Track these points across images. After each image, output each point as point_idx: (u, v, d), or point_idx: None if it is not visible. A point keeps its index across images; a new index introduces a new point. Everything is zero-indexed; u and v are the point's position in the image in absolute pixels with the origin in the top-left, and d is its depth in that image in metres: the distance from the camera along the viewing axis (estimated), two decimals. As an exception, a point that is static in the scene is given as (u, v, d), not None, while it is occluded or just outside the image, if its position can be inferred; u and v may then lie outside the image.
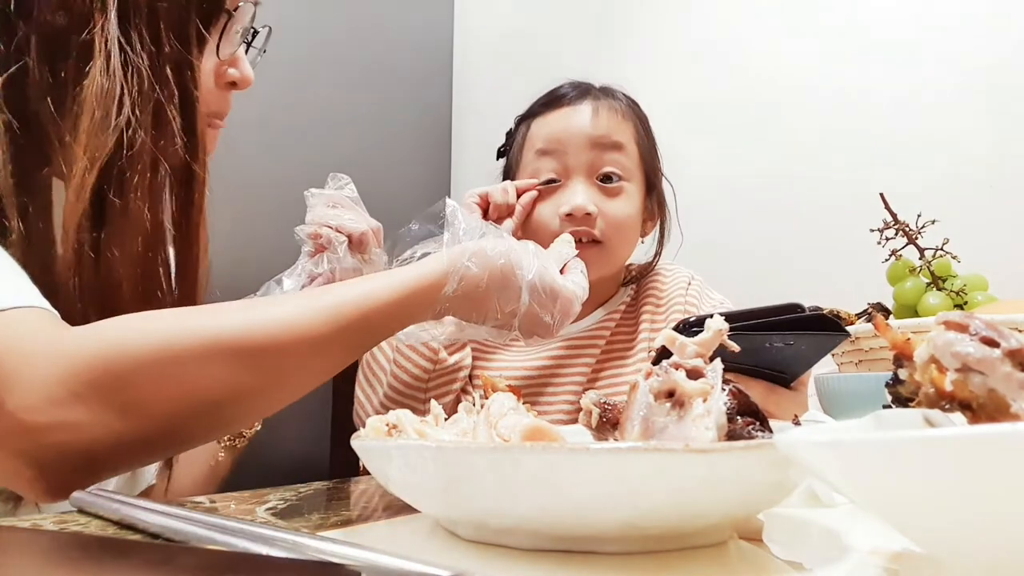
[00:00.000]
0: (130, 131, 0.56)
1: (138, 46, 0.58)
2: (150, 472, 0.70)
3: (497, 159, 1.15)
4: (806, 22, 1.58)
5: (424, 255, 0.65)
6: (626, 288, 1.09)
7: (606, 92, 1.06)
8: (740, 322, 0.58)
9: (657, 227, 1.09)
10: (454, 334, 0.65)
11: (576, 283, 0.67)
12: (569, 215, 0.96)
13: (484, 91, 1.99)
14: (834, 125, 1.52)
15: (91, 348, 0.46)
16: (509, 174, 1.09)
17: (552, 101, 1.05)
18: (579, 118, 1.02)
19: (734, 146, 1.63)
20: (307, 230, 0.80)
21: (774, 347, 0.65)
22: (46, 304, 0.51)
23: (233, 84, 0.68)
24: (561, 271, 0.70)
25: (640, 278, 1.09)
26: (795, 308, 0.66)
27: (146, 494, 0.71)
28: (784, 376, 0.72)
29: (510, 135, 1.12)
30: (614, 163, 1.00)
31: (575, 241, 0.93)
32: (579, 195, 0.97)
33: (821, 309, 0.84)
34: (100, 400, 0.45)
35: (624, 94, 1.09)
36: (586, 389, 0.98)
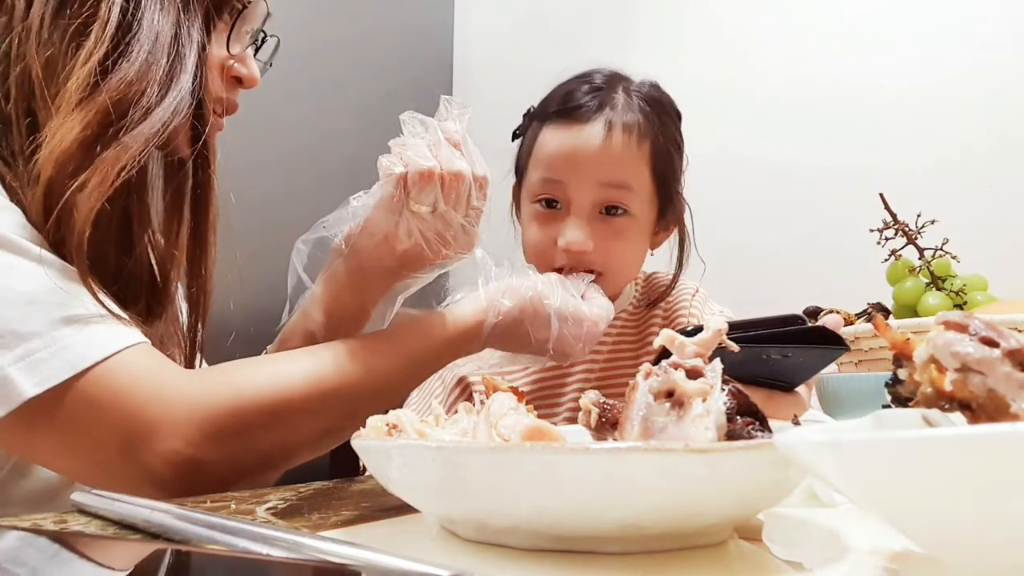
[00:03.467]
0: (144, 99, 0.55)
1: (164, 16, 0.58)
2: None
3: (512, 140, 1.11)
4: (808, 22, 1.58)
5: (462, 297, 0.69)
6: (631, 288, 1.09)
7: (628, 101, 0.98)
8: (739, 332, 0.58)
9: (676, 244, 1.05)
10: (500, 363, 0.70)
11: (600, 305, 0.71)
12: (566, 249, 0.91)
13: (484, 91, 1.99)
14: (834, 125, 1.52)
15: (221, 397, 0.53)
16: (519, 167, 1.04)
17: (567, 110, 0.97)
18: (588, 143, 0.93)
19: (734, 146, 1.63)
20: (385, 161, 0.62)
21: (772, 359, 0.65)
22: (140, 335, 0.55)
23: (239, 80, 0.68)
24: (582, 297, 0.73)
25: (651, 290, 1.07)
26: (796, 319, 0.66)
27: None
28: (783, 385, 0.72)
29: (524, 121, 1.06)
30: (619, 196, 0.94)
31: (570, 271, 0.90)
32: (576, 230, 0.91)
33: (821, 309, 0.85)
34: (229, 443, 0.53)
35: (648, 98, 1.00)
36: (593, 389, 0.98)
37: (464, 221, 0.61)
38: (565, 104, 0.98)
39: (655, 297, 1.06)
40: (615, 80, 1.00)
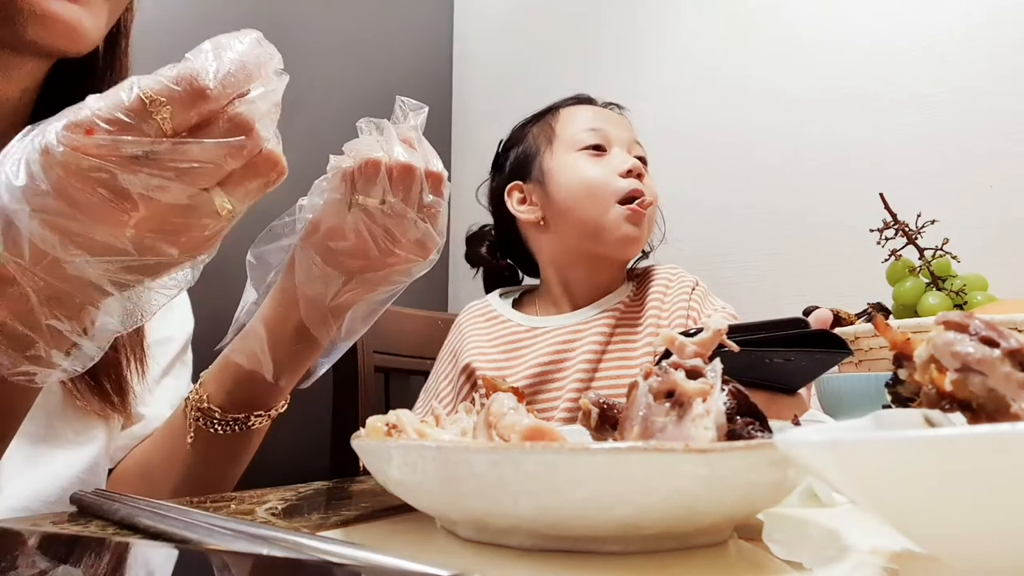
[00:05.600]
0: None
1: None
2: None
3: (497, 160, 1.17)
4: (809, 22, 1.58)
5: None
6: (628, 283, 1.11)
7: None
8: (742, 335, 0.58)
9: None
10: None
11: None
12: (629, 171, 1.05)
13: (484, 92, 1.99)
14: (835, 125, 1.52)
15: None
16: (528, 159, 1.12)
17: (568, 100, 1.15)
18: (613, 112, 1.14)
19: (734, 145, 1.62)
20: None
21: (774, 363, 0.65)
22: None
23: None
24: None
25: (638, 272, 1.13)
26: (798, 323, 0.65)
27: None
28: (784, 388, 0.71)
29: (513, 135, 1.15)
30: (641, 151, 1.11)
31: (633, 201, 1.03)
32: (631, 158, 1.07)
33: (818, 309, 0.84)
34: None
35: None
36: (591, 379, 1.00)
37: (416, 217, 0.54)
38: (566, 99, 1.14)
39: (645, 285, 1.09)
40: None
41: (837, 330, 0.76)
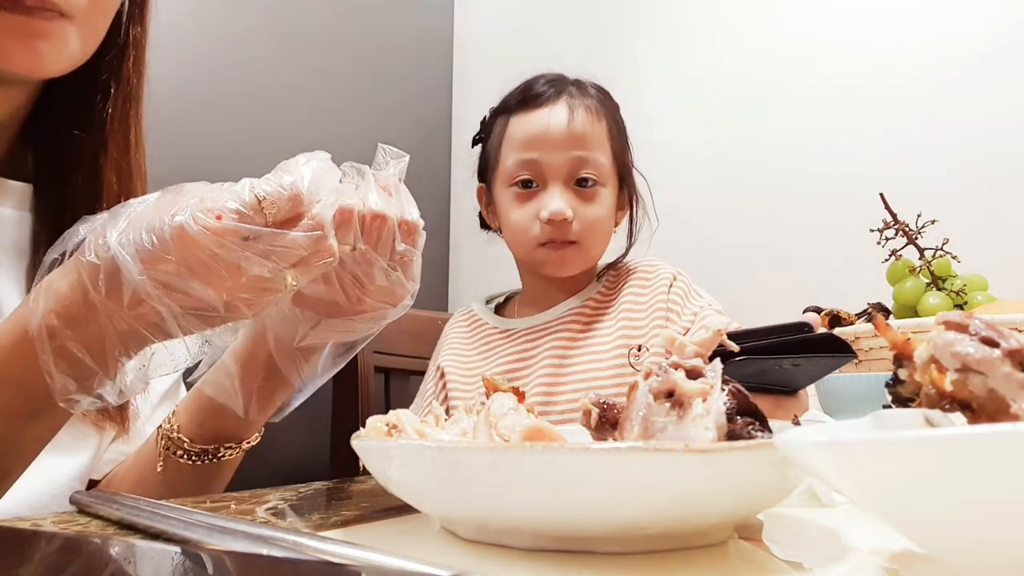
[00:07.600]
0: None
1: None
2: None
3: (472, 147, 1.17)
4: (807, 20, 1.58)
5: None
6: (599, 280, 1.10)
7: (581, 89, 1.08)
8: (748, 341, 0.58)
9: (627, 219, 1.12)
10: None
11: None
12: (549, 220, 1.01)
13: (484, 91, 1.99)
14: (834, 124, 1.52)
15: None
16: (487, 166, 1.12)
17: (529, 99, 1.07)
18: (556, 120, 1.04)
19: (734, 144, 1.63)
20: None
21: (783, 368, 0.65)
22: None
23: None
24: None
25: (613, 268, 1.11)
26: (803, 327, 0.66)
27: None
28: (786, 390, 0.72)
29: (485, 125, 1.15)
30: (589, 167, 1.03)
31: (552, 242, 1.00)
32: (556, 200, 1.01)
33: (822, 309, 0.84)
34: None
35: (595, 87, 1.11)
36: (558, 375, 1.00)
37: (387, 265, 0.54)
38: (527, 94, 1.08)
39: (620, 280, 1.08)
40: (563, 77, 1.11)
41: (837, 330, 0.76)
